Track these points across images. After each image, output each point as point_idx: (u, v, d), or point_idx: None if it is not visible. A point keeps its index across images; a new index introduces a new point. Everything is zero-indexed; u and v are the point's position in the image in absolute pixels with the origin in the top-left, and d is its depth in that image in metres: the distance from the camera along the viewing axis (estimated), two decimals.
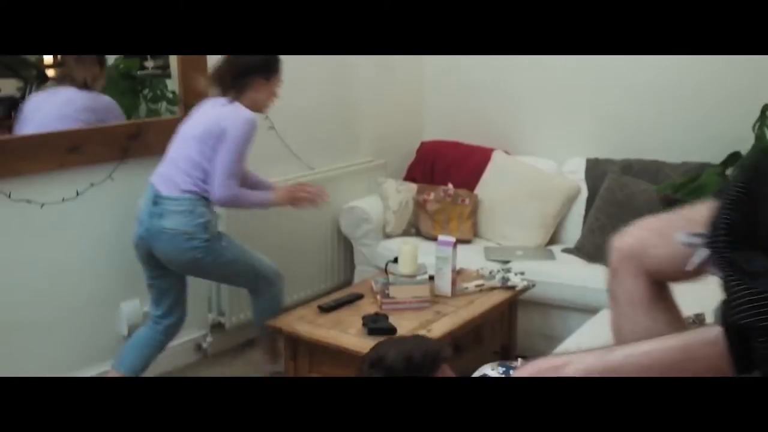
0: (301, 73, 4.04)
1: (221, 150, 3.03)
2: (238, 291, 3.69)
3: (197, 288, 3.53)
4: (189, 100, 3.52)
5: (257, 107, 3.17)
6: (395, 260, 3.31)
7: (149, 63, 4.00)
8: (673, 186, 3.60)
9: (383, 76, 4.61)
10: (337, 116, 4.27)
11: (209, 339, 3.81)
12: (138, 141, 3.39)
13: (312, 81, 4.15)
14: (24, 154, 3.12)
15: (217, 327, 3.83)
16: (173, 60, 3.70)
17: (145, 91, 3.88)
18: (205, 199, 3.09)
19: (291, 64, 3.33)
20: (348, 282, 4.22)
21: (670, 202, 3.70)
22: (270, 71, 3.16)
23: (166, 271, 3.17)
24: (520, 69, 4.58)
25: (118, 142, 3.37)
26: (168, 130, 3.45)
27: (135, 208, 3.24)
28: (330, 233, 4.29)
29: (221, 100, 3.12)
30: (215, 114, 3.08)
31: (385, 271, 3.32)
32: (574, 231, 4.12)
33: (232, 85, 3.12)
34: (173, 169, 3.09)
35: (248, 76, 3.10)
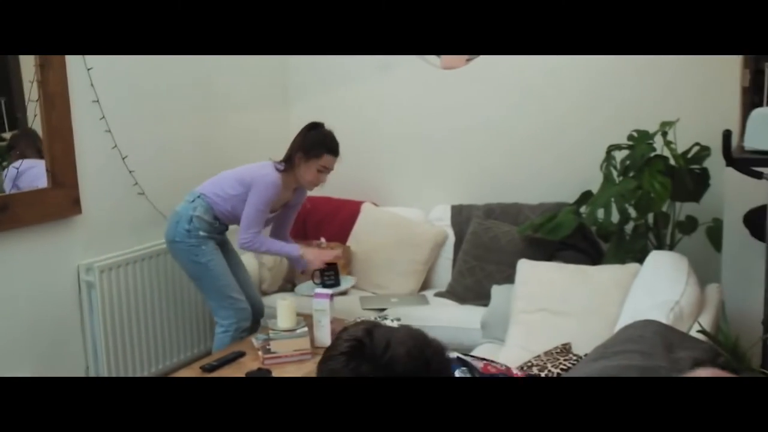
0: (168, 126, 4.10)
1: (247, 203, 3.56)
2: (118, 355, 3.67)
3: None
4: (56, 170, 3.51)
5: (300, 182, 3.73)
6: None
7: (7, 134, 3.94)
8: (533, 226, 3.82)
9: (250, 138, 4.69)
10: (205, 175, 4.31)
11: None
12: (4, 214, 3.34)
13: (176, 136, 4.18)
14: None
15: None
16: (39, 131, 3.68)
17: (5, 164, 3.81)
18: (207, 205, 3.61)
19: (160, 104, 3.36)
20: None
21: (531, 241, 3.93)
22: (309, 152, 3.62)
23: None
24: (383, 122, 4.77)
25: None
26: (35, 200, 3.42)
27: (5, 283, 3.19)
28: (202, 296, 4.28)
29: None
30: (253, 166, 3.69)
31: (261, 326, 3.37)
32: (444, 275, 4.29)
33: (288, 154, 3.68)
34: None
35: (294, 152, 3.64)
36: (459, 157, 4.59)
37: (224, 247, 3.78)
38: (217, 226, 3.66)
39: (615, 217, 3.58)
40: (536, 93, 4.34)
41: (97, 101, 3.72)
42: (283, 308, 3.33)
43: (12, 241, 3.34)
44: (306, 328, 3.33)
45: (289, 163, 3.66)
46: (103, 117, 3.75)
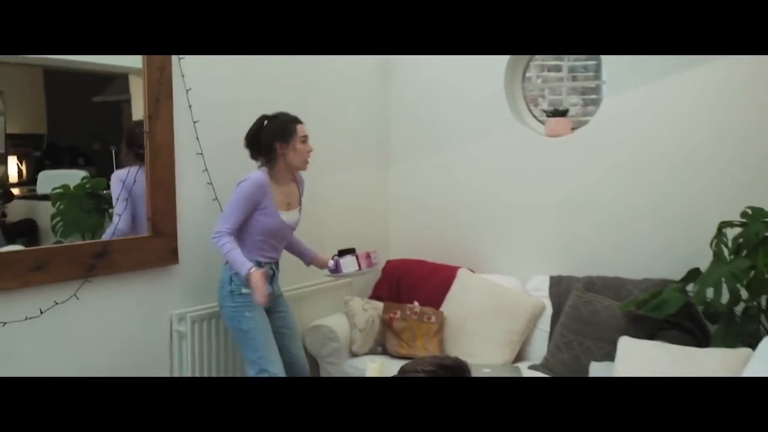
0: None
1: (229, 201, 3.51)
2: None
3: None
4: (156, 219, 3.56)
5: (295, 167, 3.64)
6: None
7: None
8: (636, 302, 3.65)
9: (350, 193, 4.69)
10: (303, 234, 4.30)
11: None
12: (103, 259, 3.39)
13: None
14: None
15: None
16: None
17: (111, 210, 3.89)
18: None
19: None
20: None
21: (633, 318, 3.75)
22: (284, 134, 3.56)
23: None
24: (483, 188, 4.70)
25: (83, 261, 3.36)
26: (134, 247, 3.46)
27: (100, 326, 3.21)
28: None
29: None
30: None
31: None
32: (539, 347, 4.14)
33: (262, 156, 3.59)
34: None
35: (269, 148, 3.55)
36: (559, 226, 4.46)
37: (276, 306, 3.70)
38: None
39: (725, 297, 3.38)
40: (643, 164, 4.20)
41: (201, 154, 3.77)
42: (373, 371, 3.25)
43: (109, 286, 3.39)
44: None
45: (270, 160, 3.57)
46: (206, 169, 3.80)
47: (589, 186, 4.35)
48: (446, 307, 4.36)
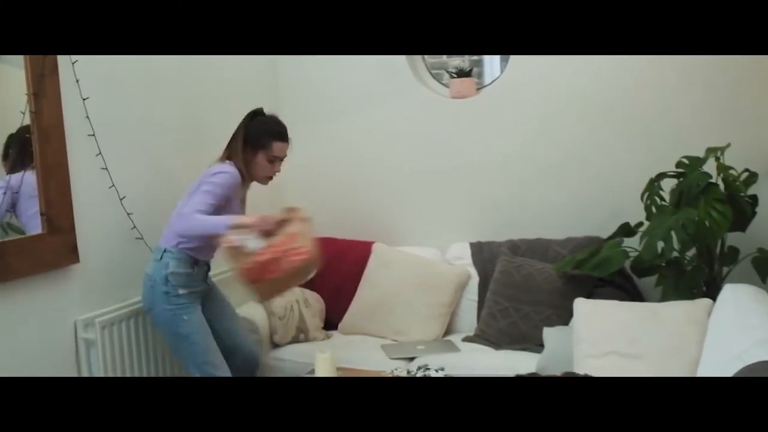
0: (163, 164, 3.74)
1: (201, 190, 3.12)
2: None
3: None
4: (52, 214, 3.09)
5: (253, 178, 3.36)
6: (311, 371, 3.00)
7: None
8: (575, 262, 3.54)
9: None
10: None
11: None
12: None
13: (172, 175, 3.80)
14: None
15: None
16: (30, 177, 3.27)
17: None
18: (179, 255, 3.18)
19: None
20: None
21: (567, 279, 3.65)
22: (256, 143, 3.27)
23: None
24: (386, 157, 4.47)
25: None
26: (27, 248, 2.99)
27: None
28: None
29: None
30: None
31: None
32: (469, 318, 3.98)
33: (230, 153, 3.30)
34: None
35: (237, 147, 3.27)
36: (473, 191, 4.30)
37: (210, 297, 3.39)
38: (197, 272, 3.24)
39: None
40: (552, 122, 4.10)
41: (93, 135, 3.31)
42: (323, 362, 2.97)
43: (2, 295, 2.90)
44: None
45: (235, 160, 3.25)
46: (100, 153, 3.34)
47: (501, 147, 4.21)
48: (365, 285, 4.11)
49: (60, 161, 3.15)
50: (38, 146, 3.07)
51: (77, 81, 3.25)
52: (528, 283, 3.71)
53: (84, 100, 3.27)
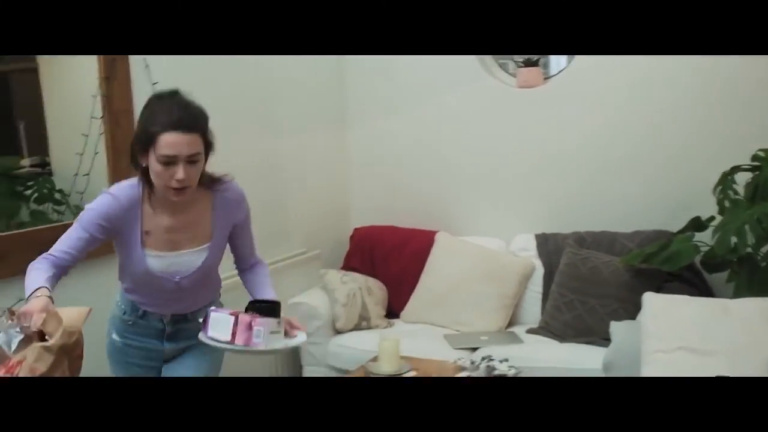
0: (227, 147, 3.74)
1: None
2: None
3: None
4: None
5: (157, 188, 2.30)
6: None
7: (26, 161, 3.59)
8: (643, 256, 3.47)
9: (305, 159, 4.34)
10: (262, 207, 3.95)
11: None
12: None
13: (235, 157, 3.81)
14: None
15: None
16: (54, 156, 3.32)
17: (28, 192, 3.43)
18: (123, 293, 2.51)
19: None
20: None
21: (635, 273, 3.58)
22: (142, 140, 2.22)
23: None
24: (452, 147, 4.43)
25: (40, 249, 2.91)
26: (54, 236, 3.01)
27: None
28: None
29: None
30: None
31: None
32: (533, 310, 3.93)
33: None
34: None
35: (132, 147, 2.32)
36: (539, 182, 4.25)
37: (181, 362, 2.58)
38: (144, 324, 2.50)
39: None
40: (620, 112, 4.02)
41: None
42: (386, 350, 2.96)
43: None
44: (414, 372, 2.95)
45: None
46: None
47: (568, 137, 4.15)
48: (428, 274, 4.09)
49: (129, 145, 3.19)
50: (108, 129, 3.12)
51: (147, 66, 3.29)
52: (594, 275, 3.65)
53: (153, 84, 3.31)
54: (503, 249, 4.12)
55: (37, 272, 2.15)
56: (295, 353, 3.93)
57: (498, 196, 4.35)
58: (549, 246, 4.00)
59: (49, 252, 2.25)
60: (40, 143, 3.44)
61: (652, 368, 2.88)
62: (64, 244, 2.26)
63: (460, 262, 4.02)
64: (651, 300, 3.04)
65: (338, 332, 3.85)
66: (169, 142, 2.15)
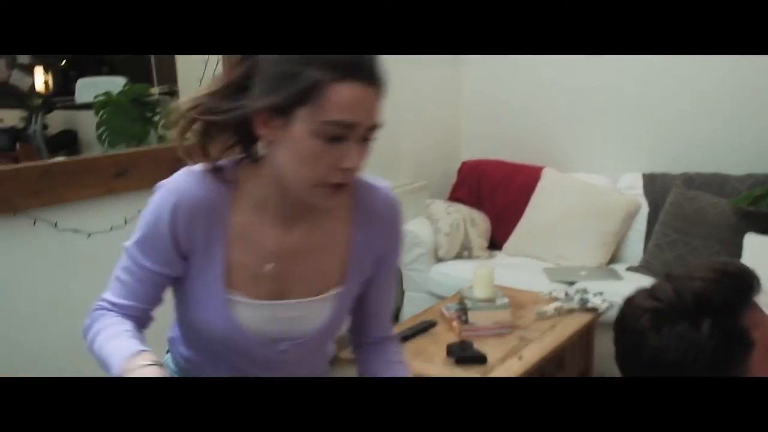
0: None
1: None
2: None
3: None
4: None
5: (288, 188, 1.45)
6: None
7: (155, 89, 3.81)
8: (752, 198, 3.42)
9: (418, 91, 4.41)
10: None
11: None
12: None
13: None
14: (70, 180, 2.88)
15: None
16: (182, 84, 3.53)
17: (156, 117, 3.67)
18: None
19: None
20: (396, 310, 3.98)
21: (744, 215, 3.52)
22: (286, 104, 1.30)
23: None
24: (562, 81, 4.41)
25: (166, 166, 3.12)
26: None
27: None
28: None
29: None
30: None
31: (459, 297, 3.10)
32: (635, 248, 3.93)
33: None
34: None
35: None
36: (649, 119, 4.18)
37: None
38: None
39: None
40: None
41: None
42: (481, 277, 3.05)
43: None
44: (506, 300, 3.04)
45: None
46: None
47: (683, 75, 4.06)
48: (533, 209, 4.14)
49: None
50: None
51: None
52: (700, 216, 3.61)
53: None
54: (609, 186, 4.11)
55: (114, 330, 1.34)
56: (399, 279, 4.08)
57: (607, 133, 4.32)
58: (656, 185, 3.97)
59: (104, 304, 1.41)
60: (169, 72, 3.67)
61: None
62: (114, 285, 1.40)
63: (565, 197, 4.04)
64: (752, 241, 3.02)
65: (440, 260, 3.96)
66: (349, 99, 1.24)
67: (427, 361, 2.76)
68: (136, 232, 1.37)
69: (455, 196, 4.41)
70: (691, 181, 3.86)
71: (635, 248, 3.93)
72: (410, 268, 3.98)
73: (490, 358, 2.73)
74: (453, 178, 4.56)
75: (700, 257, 3.53)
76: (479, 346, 2.82)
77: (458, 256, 3.97)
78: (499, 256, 4.10)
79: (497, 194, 4.26)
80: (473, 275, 3.08)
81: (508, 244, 4.14)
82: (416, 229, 3.98)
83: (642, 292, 1.23)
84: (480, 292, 3.04)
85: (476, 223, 4.11)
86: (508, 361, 2.74)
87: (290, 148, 1.24)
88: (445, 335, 2.98)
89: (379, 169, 4.01)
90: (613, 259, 3.96)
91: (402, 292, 4.07)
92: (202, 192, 1.34)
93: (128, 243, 1.39)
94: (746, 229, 3.40)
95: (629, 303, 1.23)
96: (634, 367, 1.22)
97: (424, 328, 3.04)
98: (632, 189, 4.04)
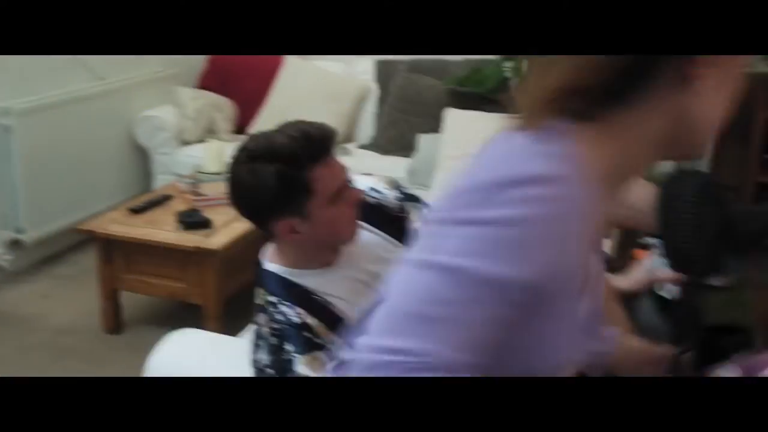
0: None
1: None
2: (38, 204, 3.61)
3: None
4: None
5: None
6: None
7: None
8: (458, 80, 3.85)
9: None
10: None
11: (6, 257, 3.66)
12: None
13: None
14: None
15: (15, 244, 3.67)
16: None
17: None
18: None
19: None
20: (147, 191, 4.18)
21: (456, 95, 3.97)
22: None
23: None
24: None
25: None
26: None
27: None
28: (125, 144, 4.22)
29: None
30: None
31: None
32: (367, 129, 4.31)
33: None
34: None
35: None
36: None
37: None
38: None
39: None
40: None
41: None
42: (211, 152, 3.31)
43: None
44: None
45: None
46: None
47: None
48: (276, 95, 4.41)
49: None
50: None
51: None
52: (419, 97, 4.03)
53: None
54: (344, 72, 4.45)
55: None
56: (145, 162, 4.27)
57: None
58: (386, 71, 4.34)
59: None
60: None
61: (443, 172, 3.32)
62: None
63: (305, 83, 4.34)
64: (449, 115, 3.45)
65: (185, 143, 4.17)
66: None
67: (158, 228, 3.02)
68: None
69: (203, 85, 4.59)
70: (416, 66, 4.25)
71: (367, 128, 4.32)
72: (158, 152, 4.17)
73: (216, 223, 3.02)
74: (201, 67, 4.72)
75: (419, 132, 3.95)
76: (210, 214, 3.10)
77: (204, 140, 4.19)
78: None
79: (243, 82, 4.49)
80: (205, 150, 3.34)
81: (253, 128, 4.40)
82: (162, 114, 4.16)
83: (251, 138, 1.55)
84: (211, 165, 3.31)
85: (222, 108, 4.34)
86: (233, 224, 3.03)
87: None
88: (178, 206, 3.22)
89: (129, 57, 4.14)
90: (349, 138, 4.33)
91: (152, 176, 4.27)
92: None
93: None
94: (454, 105, 3.84)
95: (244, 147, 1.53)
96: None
97: (159, 201, 3.28)
98: (365, 74, 4.39)
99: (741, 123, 2.59)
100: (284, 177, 1.45)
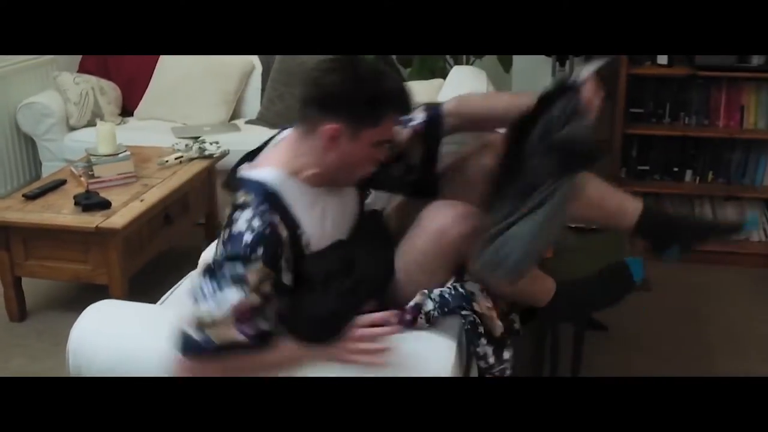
0: None
1: None
2: None
3: None
4: None
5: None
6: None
7: None
8: None
9: None
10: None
11: None
12: None
13: None
14: None
15: None
16: None
17: None
18: None
19: None
20: (37, 179, 4.16)
21: None
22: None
23: None
24: None
25: None
26: None
27: None
28: (9, 132, 4.18)
29: None
30: None
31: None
32: (253, 104, 4.41)
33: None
34: None
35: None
36: None
37: None
38: None
39: None
40: None
41: None
42: (102, 134, 3.35)
43: None
44: (128, 152, 3.38)
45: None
46: None
47: None
48: (158, 75, 4.44)
49: None
50: None
51: None
52: (302, 69, 4.14)
53: None
54: None
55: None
56: (31, 150, 4.24)
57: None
58: None
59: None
60: None
61: None
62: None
63: (186, 61, 4.38)
64: None
65: (72, 129, 4.16)
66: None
67: (56, 212, 3.05)
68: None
69: (84, 69, 4.57)
70: None
71: (253, 104, 4.41)
72: (44, 139, 4.15)
73: (115, 203, 3.08)
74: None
75: None
76: (106, 194, 3.15)
77: (90, 124, 4.18)
78: (131, 122, 4.37)
79: (124, 63, 4.49)
80: (95, 133, 3.37)
81: (138, 110, 4.43)
82: (45, 100, 4.13)
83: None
84: (103, 148, 3.34)
85: (105, 91, 4.33)
86: (131, 204, 3.10)
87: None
88: (74, 190, 3.25)
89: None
90: (235, 115, 4.42)
91: (39, 163, 4.24)
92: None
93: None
94: None
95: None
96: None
97: (54, 186, 3.30)
98: None
99: (609, 81, 2.83)
100: (386, 96, 1.70)
